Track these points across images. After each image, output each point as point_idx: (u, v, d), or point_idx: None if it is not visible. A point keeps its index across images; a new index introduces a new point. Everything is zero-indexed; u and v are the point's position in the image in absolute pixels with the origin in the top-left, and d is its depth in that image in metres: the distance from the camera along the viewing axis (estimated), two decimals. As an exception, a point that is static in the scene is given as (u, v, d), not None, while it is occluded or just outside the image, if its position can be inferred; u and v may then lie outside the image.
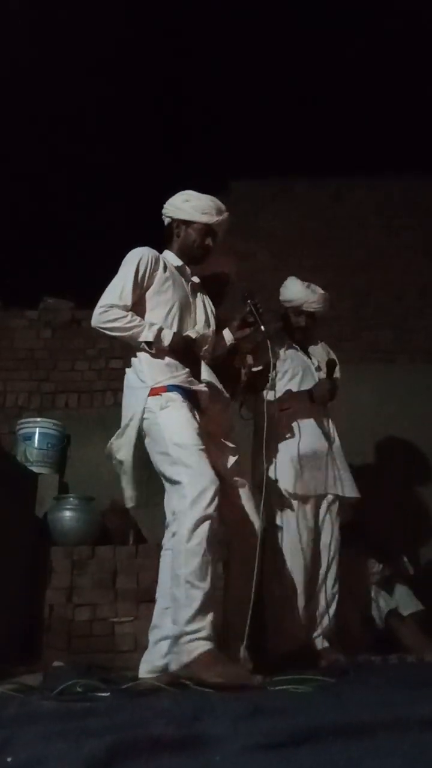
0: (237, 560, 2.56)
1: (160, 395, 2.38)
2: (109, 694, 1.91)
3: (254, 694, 1.80)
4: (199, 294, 2.79)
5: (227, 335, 2.87)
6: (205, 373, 2.57)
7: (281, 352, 3.37)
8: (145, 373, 2.46)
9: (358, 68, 5.45)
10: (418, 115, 5.58)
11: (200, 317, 2.70)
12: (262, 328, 2.80)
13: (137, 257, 2.60)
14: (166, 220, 2.79)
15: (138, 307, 2.55)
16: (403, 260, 5.65)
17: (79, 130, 5.68)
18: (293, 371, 3.34)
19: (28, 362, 5.24)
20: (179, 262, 2.74)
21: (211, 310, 2.79)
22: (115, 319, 2.47)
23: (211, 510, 2.14)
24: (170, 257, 2.74)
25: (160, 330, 2.47)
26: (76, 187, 5.69)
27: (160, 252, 2.73)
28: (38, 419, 4.70)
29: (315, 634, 3.09)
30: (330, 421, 3.32)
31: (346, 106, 5.67)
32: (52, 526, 3.91)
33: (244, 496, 2.55)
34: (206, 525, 2.12)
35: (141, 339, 2.46)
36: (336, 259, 5.58)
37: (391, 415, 4.14)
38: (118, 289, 2.53)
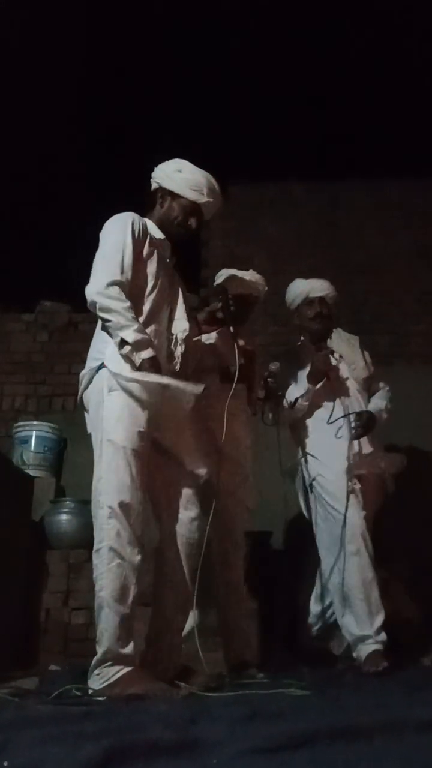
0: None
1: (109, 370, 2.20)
2: (105, 697, 1.91)
3: (252, 697, 1.80)
4: (175, 275, 2.57)
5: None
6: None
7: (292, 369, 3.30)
8: (108, 351, 2.25)
9: (357, 72, 5.45)
10: (416, 120, 5.59)
11: (179, 299, 2.50)
12: (231, 329, 2.64)
13: (128, 221, 2.34)
14: (153, 185, 2.53)
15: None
16: (400, 265, 5.66)
17: (75, 131, 5.68)
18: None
19: (24, 365, 5.24)
20: (161, 235, 2.48)
21: (186, 296, 2.60)
22: (117, 300, 2.19)
23: (126, 528, 2.06)
24: (152, 228, 2.47)
25: (142, 342, 2.19)
26: (73, 190, 5.70)
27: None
28: (35, 422, 4.70)
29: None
30: (339, 401, 3.16)
31: (344, 111, 5.67)
32: (48, 530, 3.90)
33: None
34: (125, 543, 2.06)
35: (121, 335, 2.17)
36: (334, 263, 5.58)
37: (388, 418, 4.14)
38: (117, 261, 2.26)
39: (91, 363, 2.30)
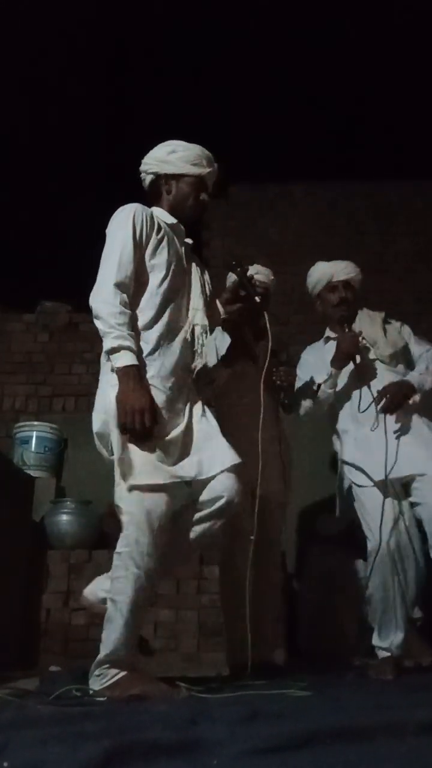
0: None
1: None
2: (105, 698, 1.91)
3: (252, 698, 1.80)
4: (192, 261, 2.46)
5: (220, 308, 2.53)
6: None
7: (313, 356, 3.06)
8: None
9: (357, 75, 5.46)
10: (415, 123, 5.60)
11: (195, 285, 2.39)
12: (257, 299, 2.47)
13: (129, 215, 2.24)
14: (149, 178, 2.44)
15: (137, 271, 2.21)
16: (399, 266, 5.66)
17: (75, 132, 5.69)
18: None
19: (25, 366, 5.24)
20: (173, 220, 2.38)
21: (207, 280, 2.50)
22: (108, 304, 2.11)
23: (145, 535, 2.00)
24: (161, 214, 2.38)
25: (117, 349, 2.08)
26: (73, 190, 5.70)
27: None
28: (35, 423, 4.70)
29: None
30: (368, 389, 2.81)
31: (345, 113, 5.69)
32: (49, 530, 3.90)
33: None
34: (144, 551, 2.01)
35: (105, 340, 2.11)
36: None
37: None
38: (115, 262, 2.17)
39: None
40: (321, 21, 5.15)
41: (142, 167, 2.45)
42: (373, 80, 5.46)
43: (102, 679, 1.98)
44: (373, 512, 2.66)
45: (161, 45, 5.37)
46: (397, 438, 2.73)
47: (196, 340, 2.34)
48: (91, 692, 1.99)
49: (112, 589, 2.05)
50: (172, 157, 2.38)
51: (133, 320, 2.18)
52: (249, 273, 2.50)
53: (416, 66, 5.25)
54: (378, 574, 2.64)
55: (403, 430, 2.76)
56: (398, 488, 2.71)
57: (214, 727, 1.27)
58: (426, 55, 5.13)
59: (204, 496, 2.15)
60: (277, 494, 2.91)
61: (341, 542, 3.58)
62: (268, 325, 2.43)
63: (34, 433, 4.60)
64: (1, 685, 2.18)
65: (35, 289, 5.52)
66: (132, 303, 2.20)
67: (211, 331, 2.42)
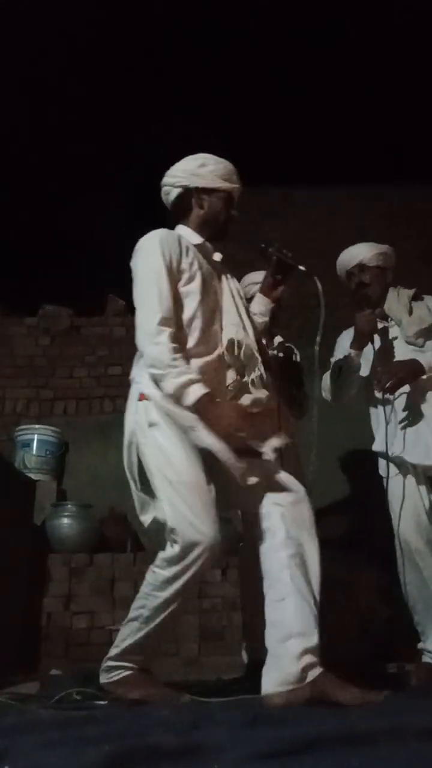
0: None
1: (149, 400, 2.02)
2: (106, 702, 1.90)
3: (254, 702, 1.79)
4: (223, 275, 2.34)
5: (262, 303, 2.44)
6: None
7: (347, 340, 2.86)
8: (143, 372, 2.07)
9: (359, 79, 5.46)
10: (417, 126, 5.60)
11: (228, 303, 2.25)
12: (301, 267, 2.37)
13: (156, 244, 2.13)
14: (176, 191, 2.30)
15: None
16: (401, 269, 5.65)
17: (81, 137, 5.69)
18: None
19: (26, 369, 5.23)
20: (199, 239, 2.27)
21: (239, 288, 2.37)
22: (159, 345, 1.99)
23: (194, 566, 1.90)
24: (187, 234, 2.27)
25: (189, 383, 1.95)
26: (76, 194, 5.70)
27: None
28: (36, 426, 4.69)
29: None
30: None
31: (347, 117, 5.69)
32: (50, 534, 3.90)
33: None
34: (184, 579, 1.92)
35: (166, 386, 1.97)
36: (335, 268, 5.59)
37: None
38: (154, 299, 2.05)
39: (132, 402, 2.13)
40: (321, 21, 5.14)
41: (168, 180, 2.34)
42: (374, 81, 5.46)
43: (109, 673, 2.00)
44: (394, 504, 2.63)
45: (161, 45, 5.36)
46: (405, 426, 2.64)
47: (246, 353, 2.15)
48: (102, 682, 2.00)
49: (139, 602, 1.99)
50: (203, 170, 2.29)
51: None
52: (282, 248, 2.44)
53: (417, 67, 5.25)
54: (408, 568, 2.57)
55: (415, 413, 2.65)
56: (422, 479, 2.64)
57: (216, 731, 1.26)
58: (426, 56, 5.13)
59: (277, 494, 2.02)
60: None
61: (343, 545, 3.57)
62: (320, 293, 2.30)
63: (36, 437, 4.60)
64: (2, 689, 2.17)
65: (37, 292, 5.52)
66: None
67: (257, 339, 2.26)
